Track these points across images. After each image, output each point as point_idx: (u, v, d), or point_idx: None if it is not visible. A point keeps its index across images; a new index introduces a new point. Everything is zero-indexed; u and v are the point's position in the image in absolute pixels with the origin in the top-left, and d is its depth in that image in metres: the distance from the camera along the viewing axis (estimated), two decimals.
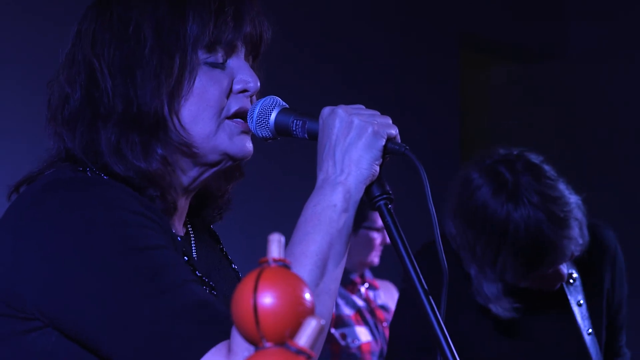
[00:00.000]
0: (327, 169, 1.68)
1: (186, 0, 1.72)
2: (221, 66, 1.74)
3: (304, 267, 1.61)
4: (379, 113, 1.70)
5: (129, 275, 1.57)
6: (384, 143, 1.67)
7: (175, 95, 1.70)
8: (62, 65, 1.78)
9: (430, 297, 1.62)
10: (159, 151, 1.70)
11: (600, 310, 2.92)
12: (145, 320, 1.56)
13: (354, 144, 1.66)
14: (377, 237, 4.18)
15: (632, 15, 7.73)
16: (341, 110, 1.69)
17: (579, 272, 2.90)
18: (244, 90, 1.76)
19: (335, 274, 1.65)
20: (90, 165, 1.70)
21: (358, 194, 1.67)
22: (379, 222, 3.97)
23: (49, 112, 1.78)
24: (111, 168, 1.69)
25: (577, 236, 2.70)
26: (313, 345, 1.06)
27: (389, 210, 1.68)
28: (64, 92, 1.75)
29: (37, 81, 1.96)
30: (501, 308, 2.74)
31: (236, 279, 1.88)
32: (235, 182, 1.88)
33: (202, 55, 1.72)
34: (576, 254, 2.73)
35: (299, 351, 1.06)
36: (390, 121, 1.70)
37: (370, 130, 1.66)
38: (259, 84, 1.77)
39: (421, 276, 1.63)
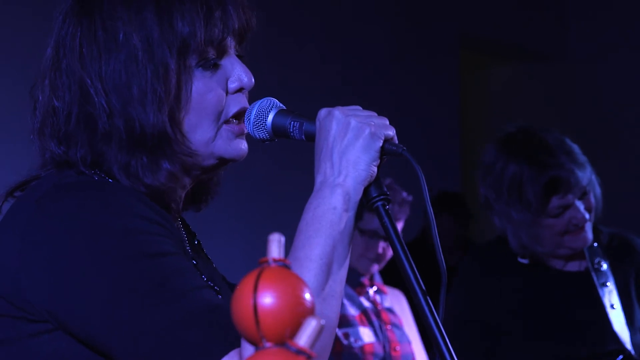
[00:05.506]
0: (325, 171, 1.66)
1: (172, 7, 1.67)
2: (214, 68, 1.71)
3: (310, 272, 1.61)
4: (376, 114, 1.69)
5: (139, 281, 1.55)
6: (381, 144, 1.65)
7: (175, 110, 1.67)
8: (46, 69, 1.73)
9: (428, 298, 1.61)
10: (167, 166, 1.67)
11: (629, 291, 3.13)
12: (156, 326, 1.54)
13: (352, 145, 1.65)
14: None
15: (632, 16, 7.73)
16: (338, 112, 1.67)
17: (610, 266, 3.14)
18: (240, 89, 1.73)
19: (339, 276, 1.65)
20: (94, 170, 1.68)
21: (357, 196, 1.65)
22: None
23: (34, 123, 1.73)
24: (119, 180, 1.67)
25: (568, 162, 3.07)
26: (313, 345, 1.06)
27: (386, 211, 1.67)
28: (51, 105, 1.71)
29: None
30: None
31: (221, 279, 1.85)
32: (222, 171, 1.82)
33: (194, 60, 1.68)
34: (583, 182, 3.04)
35: (299, 351, 1.06)
36: (388, 122, 1.68)
37: (367, 131, 1.65)
38: (253, 80, 1.74)
39: (419, 276, 1.63)
